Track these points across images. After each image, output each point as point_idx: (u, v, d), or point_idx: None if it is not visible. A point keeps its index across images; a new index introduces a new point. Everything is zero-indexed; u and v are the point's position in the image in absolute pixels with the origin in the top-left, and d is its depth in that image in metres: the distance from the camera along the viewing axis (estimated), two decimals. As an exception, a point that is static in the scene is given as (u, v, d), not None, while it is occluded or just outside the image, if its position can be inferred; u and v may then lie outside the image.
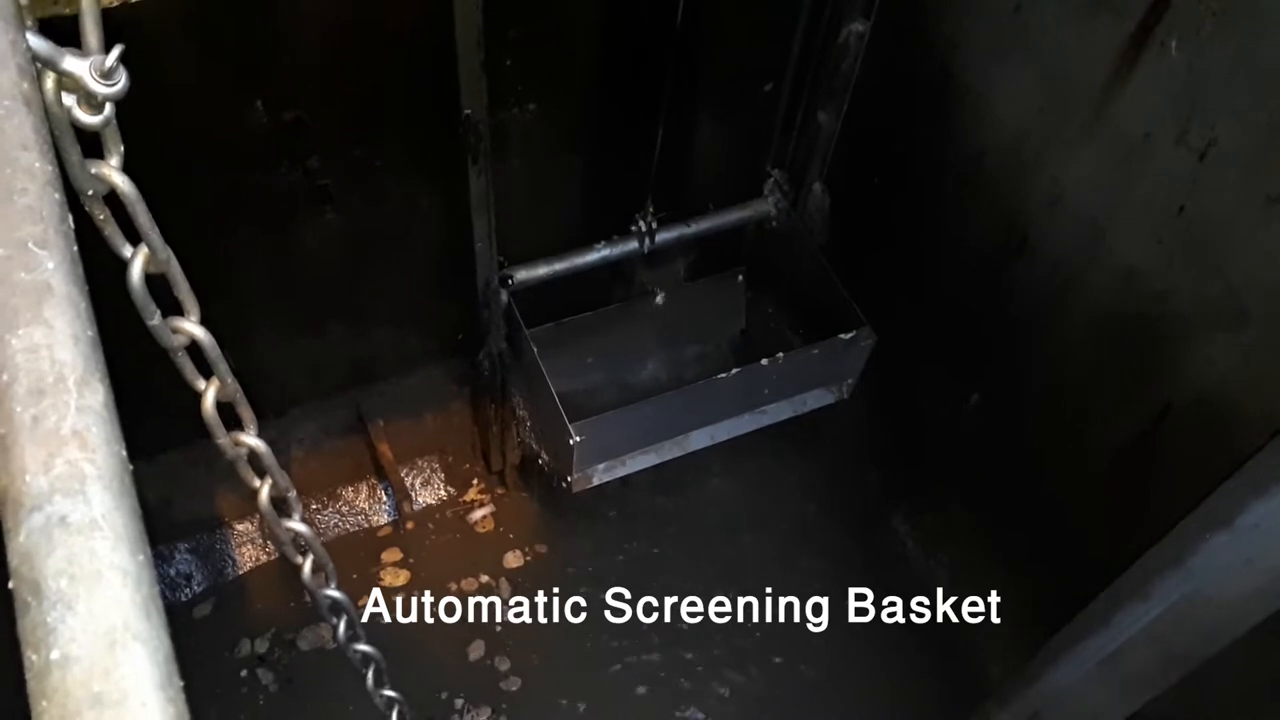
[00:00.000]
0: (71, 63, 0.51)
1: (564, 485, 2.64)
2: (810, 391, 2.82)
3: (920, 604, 2.89)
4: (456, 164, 2.28)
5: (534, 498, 3.16)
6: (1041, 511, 2.52)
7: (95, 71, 0.52)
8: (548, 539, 3.10)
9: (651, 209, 2.82)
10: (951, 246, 2.55)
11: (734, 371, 2.58)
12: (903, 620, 2.89)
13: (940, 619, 2.87)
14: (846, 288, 2.78)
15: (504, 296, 2.65)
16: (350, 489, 3.11)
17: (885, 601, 2.92)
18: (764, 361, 2.60)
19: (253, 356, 2.64)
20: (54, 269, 0.42)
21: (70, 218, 0.46)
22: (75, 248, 0.45)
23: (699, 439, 2.75)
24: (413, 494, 3.14)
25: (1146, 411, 2.12)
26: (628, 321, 3.21)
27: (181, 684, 0.41)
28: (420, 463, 3.20)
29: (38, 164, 0.44)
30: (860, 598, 2.90)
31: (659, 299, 3.22)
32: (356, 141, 2.29)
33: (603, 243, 2.84)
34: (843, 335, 2.64)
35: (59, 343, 0.40)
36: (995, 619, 2.74)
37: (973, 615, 2.83)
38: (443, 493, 3.20)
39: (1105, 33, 1.98)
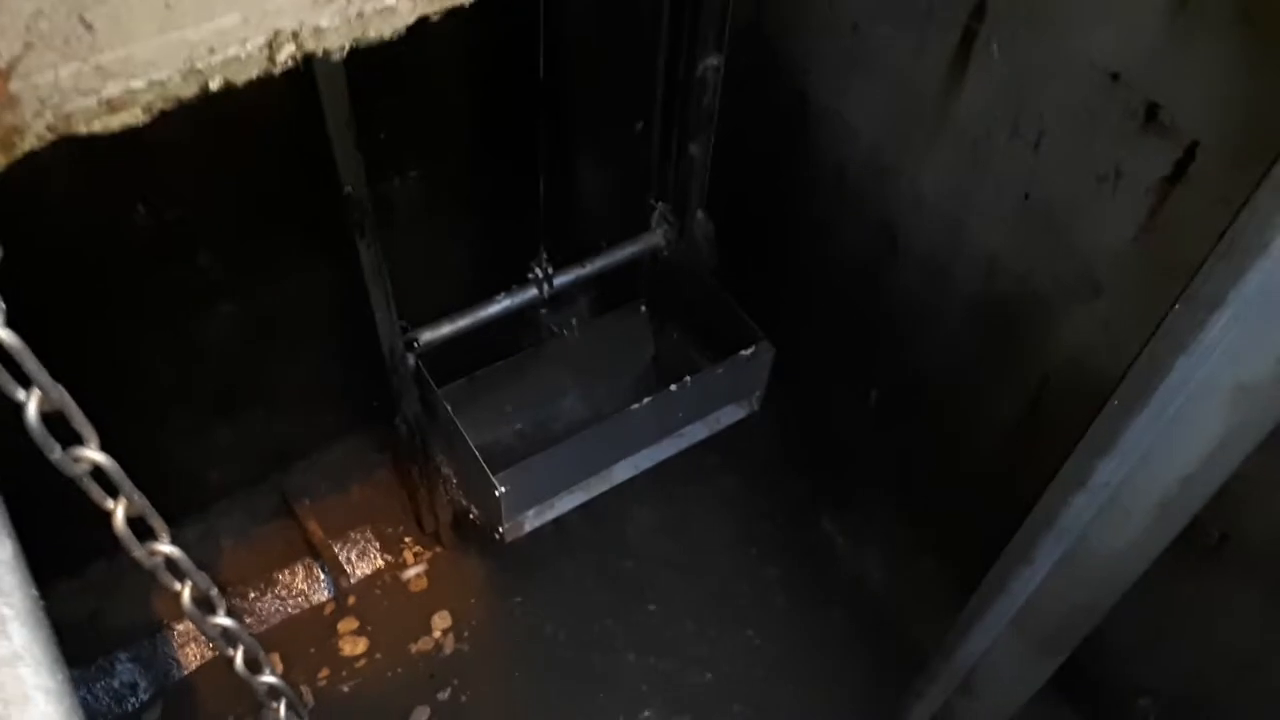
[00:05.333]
0: (-54, 242, 0.57)
1: (498, 536, 2.68)
2: (722, 409, 2.92)
3: (855, 593, 3.02)
4: (345, 239, 2.33)
5: (471, 552, 3.19)
6: (954, 492, 2.65)
7: (-33, 246, 0.58)
8: (488, 591, 3.14)
9: (546, 254, 2.90)
10: (830, 256, 2.68)
11: (645, 401, 2.67)
12: (840, 612, 3.01)
13: (876, 607, 3.00)
14: (742, 305, 2.89)
15: (411, 360, 2.69)
16: (286, 572, 3.10)
17: (822, 595, 3.05)
18: (673, 388, 2.69)
19: (167, 456, 2.64)
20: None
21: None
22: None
23: (623, 470, 2.82)
24: (349, 567, 3.15)
25: (1027, 385, 2.27)
26: (540, 365, 3.28)
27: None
28: (353, 535, 3.20)
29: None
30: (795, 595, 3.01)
31: (567, 339, 3.29)
32: (242, 232, 2.32)
33: (503, 293, 2.91)
34: (743, 353, 2.75)
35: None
36: (927, 601, 2.86)
37: (905, 600, 2.97)
38: (379, 561, 3.21)
39: (935, 42, 2.14)
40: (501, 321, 2.94)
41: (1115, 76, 1.81)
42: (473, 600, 3.13)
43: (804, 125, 2.55)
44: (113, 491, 0.85)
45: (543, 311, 3.17)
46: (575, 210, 3.00)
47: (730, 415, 2.95)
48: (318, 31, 0.71)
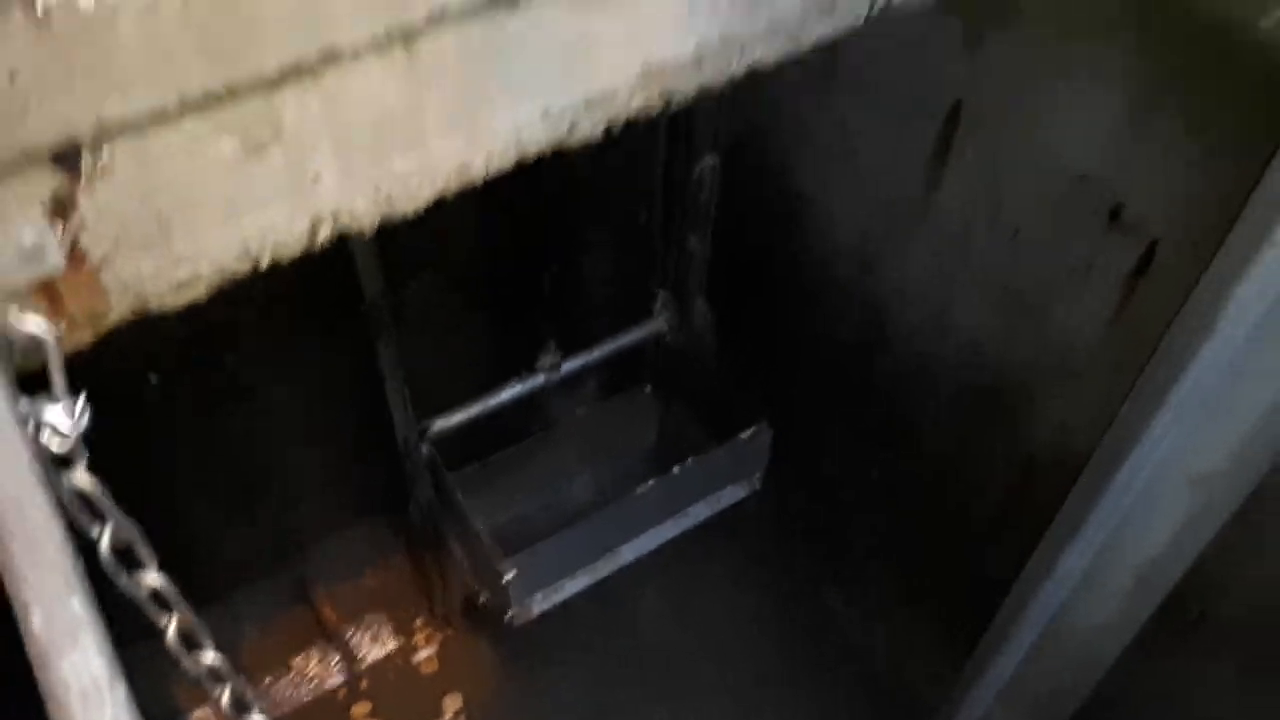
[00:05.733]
0: (49, 412, 0.68)
1: (508, 619, 2.75)
2: (724, 489, 3.00)
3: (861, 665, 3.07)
4: (363, 337, 2.45)
5: (481, 635, 3.25)
6: (950, 562, 2.72)
7: (66, 416, 0.68)
8: (498, 673, 3.20)
9: (554, 342, 3.03)
10: (824, 340, 2.80)
11: (650, 484, 2.76)
12: (844, 684, 3.06)
13: (879, 677, 3.05)
14: (742, 385, 3.00)
15: (425, 449, 2.80)
16: (302, 657, 3.16)
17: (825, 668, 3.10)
18: (676, 470, 2.78)
19: (190, 544, 2.73)
20: (79, 609, 0.58)
21: (80, 560, 0.62)
22: (85, 579, 0.61)
23: (629, 552, 2.90)
24: (362, 650, 3.21)
25: (1015, 463, 2.35)
26: (549, 449, 3.38)
27: None
28: (367, 619, 3.27)
29: (54, 526, 0.60)
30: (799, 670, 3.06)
31: (575, 422, 3.40)
32: (265, 333, 2.45)
33: (513, 380, 3.02)
34: (743, 435, 2.84)
35: (92, 660, 0.57)
36: (929, 668, 2.91)
37: (907, 669, 3.01)
38: (391, 644, 3.27)
39: (915, 143, 2.27)
40: (512, 407, 3.05)
41: (1083, 178, 1.94)
42: (483, 682, 3.18)
43: (794, 217, 2.69)
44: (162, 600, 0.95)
45: (552, 397, 3.29)
46: (582, 298, 3.13)
47: (732, 495, 3.03)
48: (352, 214, 0.83)
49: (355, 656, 3.16)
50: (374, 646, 3.25)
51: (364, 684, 3.15)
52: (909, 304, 2.46)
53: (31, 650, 0.62)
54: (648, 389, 3.51)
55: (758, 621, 3.25)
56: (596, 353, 3.14)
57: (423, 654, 3.25)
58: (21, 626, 0.63)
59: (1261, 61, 1.29)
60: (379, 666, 3.21)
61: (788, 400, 2.97)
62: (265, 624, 3.07)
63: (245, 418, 2.61)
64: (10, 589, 0.59)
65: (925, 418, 2.55)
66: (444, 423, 2.88)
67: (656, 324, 3.23)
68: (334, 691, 3.15)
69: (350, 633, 3.19)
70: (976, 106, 2.12)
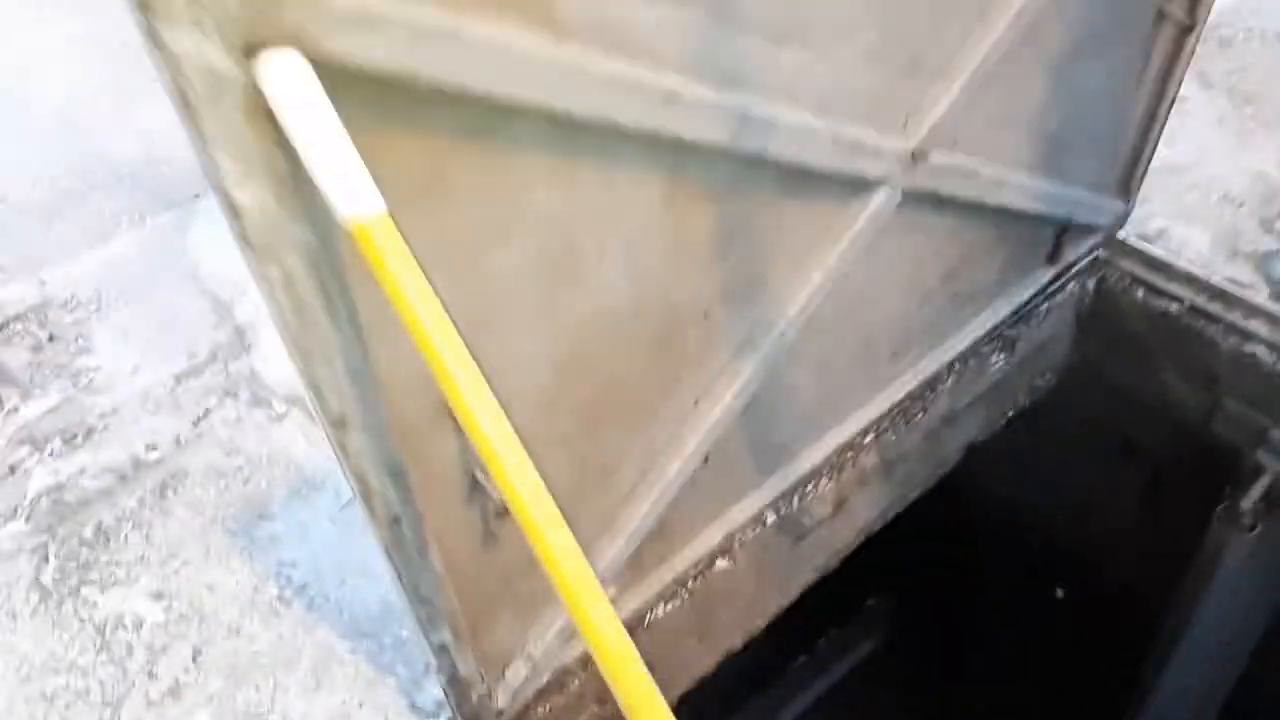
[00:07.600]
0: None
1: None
2: (860, 647, 3.64)
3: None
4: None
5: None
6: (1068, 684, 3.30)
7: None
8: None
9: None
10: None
11: (801, 659, 3.43)
12: None
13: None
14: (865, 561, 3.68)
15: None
16: None
17: None
18: (820, 643, 3.47)
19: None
20: None
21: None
22: None
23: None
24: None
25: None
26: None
27: None
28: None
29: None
30: None
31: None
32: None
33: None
34: (869, 602, 3.52)
35: None
36: None
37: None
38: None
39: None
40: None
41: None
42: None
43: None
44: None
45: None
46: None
47: (866, 649, 3.65)
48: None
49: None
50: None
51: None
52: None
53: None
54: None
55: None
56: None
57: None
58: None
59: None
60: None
61: (908, 570, 3.62)
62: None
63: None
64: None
65: (988, 576, 3.21)
66: None
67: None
68: None
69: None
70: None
